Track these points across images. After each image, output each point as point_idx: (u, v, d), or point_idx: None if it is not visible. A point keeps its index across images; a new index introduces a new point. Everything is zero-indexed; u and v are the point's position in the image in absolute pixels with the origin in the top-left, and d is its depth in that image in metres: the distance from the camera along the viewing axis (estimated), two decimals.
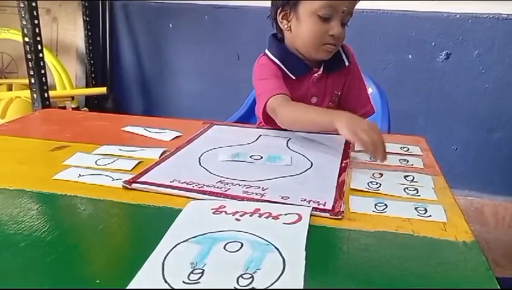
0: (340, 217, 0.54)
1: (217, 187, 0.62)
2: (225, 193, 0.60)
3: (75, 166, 0.70)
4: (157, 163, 0.71)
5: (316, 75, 0.98)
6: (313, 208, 0.55)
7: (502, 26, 1.78)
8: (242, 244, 0.46)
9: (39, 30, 1.77)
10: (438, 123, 1.95)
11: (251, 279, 0.40)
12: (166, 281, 0.40)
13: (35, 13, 1.74)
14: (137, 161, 0.72)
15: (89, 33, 2.28)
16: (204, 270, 0.41)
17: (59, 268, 0.43)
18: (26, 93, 1.96)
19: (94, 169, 0.69)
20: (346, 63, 1.00)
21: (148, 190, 0.61)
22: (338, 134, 0.77)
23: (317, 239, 0.49)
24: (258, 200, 0.58)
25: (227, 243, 0.46)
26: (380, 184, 0.65)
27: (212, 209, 0.55)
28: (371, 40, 1.91)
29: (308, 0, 0.90)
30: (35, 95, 1.82)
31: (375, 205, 0.58)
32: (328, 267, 0.45)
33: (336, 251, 0.49)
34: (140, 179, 0.64)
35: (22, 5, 1.72)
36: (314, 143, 0.86)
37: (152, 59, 2.29)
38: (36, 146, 0.82)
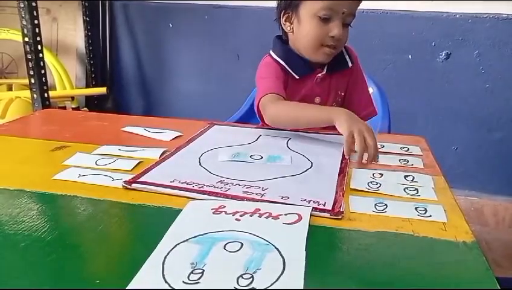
0: (340, 217, 0.54)
1: (217, 187, 0.62)
2: (225, 193, 0.60)
3: (75, 166, 0.70)
4: (157, 163, 0.71)
5: (319, 75, 0.99)
6: (313, 208, 0.55)
7: (502, 26, 1.78)
8: (242, 245, 0.46)
9: (39, 30, 1.77)
10: (438, 123, 1.95)
11: (251, 279, 0.40)
12: (166, 281, 0.40)
13: (35, 13, 1.75)
14: (137, 161, 0.72)
15: (89, 33, 2.28)
16: (204, 271, 0.41)
17: (59, 268, 0.43)
18: (26, 93, 1.96)
19: (94, 169, 0.69)
20: (350, 64, 1.00)
21: (148, 190, 0.61)
22: (338, 134, 0.77)
23: (317, 239, 0.49)
24: (258, 200, 0.58)
25: (227, 243, 0.46)
26: (380, 184, 0.65)
27: (212, 209, 0.55)
28: (371, 40, 1.91)
29: (309, 1, 0.90)
30: (35, 95, 1.82)
31: (375, 205, 0.58)
32: (328, 267, 0.45)
33: (336, 251, 0.49)
34: (140, 179, 0.64)
35: (22, 5, 1.72)
36: (314, 143, 0.86)
37: (152, 59, 2.29)
38: (36, 146, 0.82)
